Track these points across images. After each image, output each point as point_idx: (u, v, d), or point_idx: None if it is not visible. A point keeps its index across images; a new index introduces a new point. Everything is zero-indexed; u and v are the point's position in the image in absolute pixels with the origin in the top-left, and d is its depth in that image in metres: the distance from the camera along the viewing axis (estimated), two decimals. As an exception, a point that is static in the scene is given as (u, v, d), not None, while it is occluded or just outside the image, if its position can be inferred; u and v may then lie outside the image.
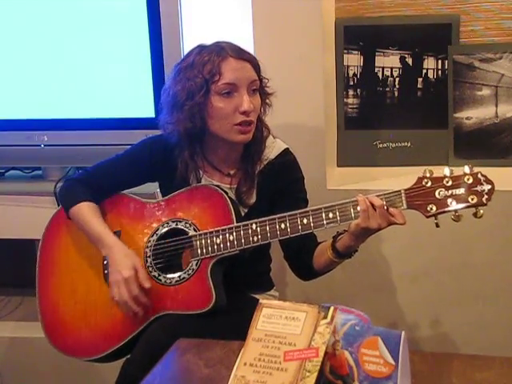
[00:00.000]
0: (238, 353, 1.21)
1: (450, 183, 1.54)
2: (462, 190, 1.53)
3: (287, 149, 1.86)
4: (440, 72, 2.38)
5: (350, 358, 1.19)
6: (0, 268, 2.73)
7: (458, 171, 1.55)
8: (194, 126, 1.75)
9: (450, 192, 1.54)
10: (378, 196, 1.59)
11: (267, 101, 1.83)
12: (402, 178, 2.35)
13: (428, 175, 1.56)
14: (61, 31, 2.34)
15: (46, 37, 2.35)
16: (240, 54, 1.74)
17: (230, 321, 1.68)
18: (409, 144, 2.43)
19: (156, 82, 2.30)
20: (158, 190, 1.98)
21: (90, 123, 2.37)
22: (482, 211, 1.52)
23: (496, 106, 2.35)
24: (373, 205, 1.58)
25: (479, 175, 1.53)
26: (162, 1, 2.22)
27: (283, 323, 1.20)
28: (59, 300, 1.88)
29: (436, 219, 1.55)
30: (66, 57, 2.35)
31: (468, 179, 1.53)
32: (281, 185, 1.83)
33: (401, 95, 2.42)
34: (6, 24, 2.37)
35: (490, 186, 1.53)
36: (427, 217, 1.55)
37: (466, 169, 1.54)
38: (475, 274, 2.28)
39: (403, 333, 1.19)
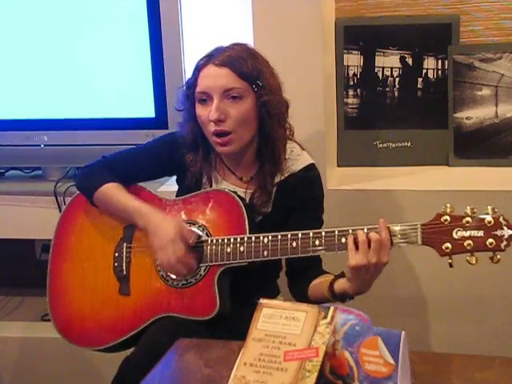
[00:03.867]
0: (238, 353, 1.21)
1: (469, 223, 1.47)
2: (481, 233, 1.46)
3: (313, 164, 1.82)
4: (440, 72, 2.38)
5: (350, 358, 1.19)
6: (0, 268, 2.73)
7: (479, 210, 1.47)
8: (193, 130, 1.76)
9: (468, 233, 1.47)
10: (394, 227, 1.54)
11: (275, 105, 1.74)
12: (402, 178, 2.36)
13: (448, 211, 1.49)
14: (61, 31, 2.34)
15: (46, 37, 2.35)
16: (223, 59, 1.70)
17: (232, 326, 1.67)
18: (409, 144, 2.43)
19: (156, 82, 2.30)
20: (159, 190, 1.98)
21: (90, 123, 2.37)
22: (498, 256, 1.45)
23: (496, 106, 2.35)
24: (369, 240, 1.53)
25: (501, 219, 1.46)
26: (162, 1, 2.22)
27: (283, 323, 1.20)
28: (68, 287, 1.88)
29: (450, 259, 1.49)
30: (66, 57, 2.35)
31: (489, 222, 1.45)
32: (298, 199, 1.79)
33: (401, 95, 2.42)
34: (6, 24, 2.37)
35: (511, 232, 1.45)
36: (442, 255, 1.50)
37: (489, 210, 1.47)
38: (475, 273, 2.28)
39: (403, 333, 1.19)
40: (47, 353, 2.01)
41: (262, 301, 1.26)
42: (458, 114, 2.38)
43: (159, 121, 2.30)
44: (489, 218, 1.46)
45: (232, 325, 1.67)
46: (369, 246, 1.53)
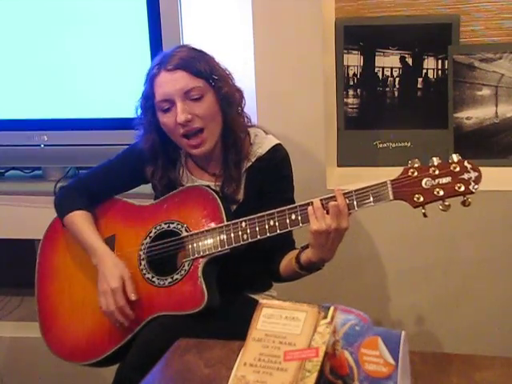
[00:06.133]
0: (238, 353, 1.21)
1: (436, 172, 1.52)
2: (448, 179, 1.51)
3: (278, 144, 1.84)
4: (440, 72, 2.38)
5: (350, 358, 1.19)
6: (0, 268, 2.73)
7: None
8: (153, 141, 1.80)
9: (436, 181, 1.51)
10: (364, 188, 1.57)
11: (232, 95, 1.78)
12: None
13: (415, 166, 1.54)
14: (61, 31, 2.34)
15: (46, 37, 2.35)
16: (175, 63, 1.73)
17: (227, 321, 1.68)
18: (409, 144, 2.43)
19: (156, 82, 2.29)
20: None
21: (90, 123, 2.37)
22: (469, 199, 1.49)
23: (496, 105, 2.35)
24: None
25: (465, 163, 1.51)
26: (162, 1, 2.22)
27: (283, 323, 1.20)
28: (57, 305, 1.89)
29: (424, 209, 1.53)
30: (66, 57, 2.35)
31: (455, 168, 1.50)
32: (267, 182, 1.81)
33: (401, 95, 2.42)
34: (6, 24, 2.37)
35: (477, 174, 1.50)
36: (414, 207, 1.53)
37: (454, 157, 1.52)
38: (475, 275, 2.28)
39: (403, 333, 1.19)
40: (47, 353, 2.01)
41: (262, 301, 1.26)
42: (458, 114, 2.38)
43: (159, 121, 2.30)
44: (454, 164, 1.50)
45: (225, 317, 1.70)
46: (327, 212, 1.56)
